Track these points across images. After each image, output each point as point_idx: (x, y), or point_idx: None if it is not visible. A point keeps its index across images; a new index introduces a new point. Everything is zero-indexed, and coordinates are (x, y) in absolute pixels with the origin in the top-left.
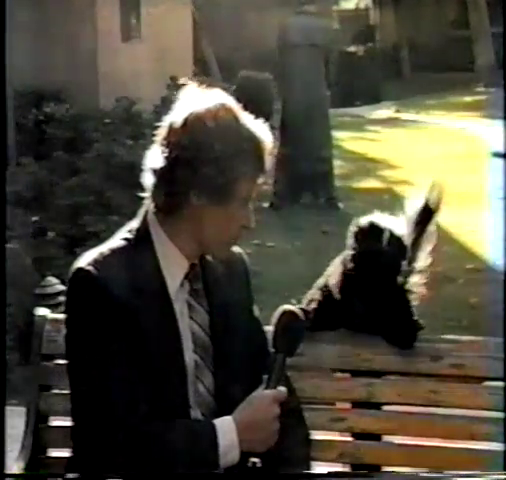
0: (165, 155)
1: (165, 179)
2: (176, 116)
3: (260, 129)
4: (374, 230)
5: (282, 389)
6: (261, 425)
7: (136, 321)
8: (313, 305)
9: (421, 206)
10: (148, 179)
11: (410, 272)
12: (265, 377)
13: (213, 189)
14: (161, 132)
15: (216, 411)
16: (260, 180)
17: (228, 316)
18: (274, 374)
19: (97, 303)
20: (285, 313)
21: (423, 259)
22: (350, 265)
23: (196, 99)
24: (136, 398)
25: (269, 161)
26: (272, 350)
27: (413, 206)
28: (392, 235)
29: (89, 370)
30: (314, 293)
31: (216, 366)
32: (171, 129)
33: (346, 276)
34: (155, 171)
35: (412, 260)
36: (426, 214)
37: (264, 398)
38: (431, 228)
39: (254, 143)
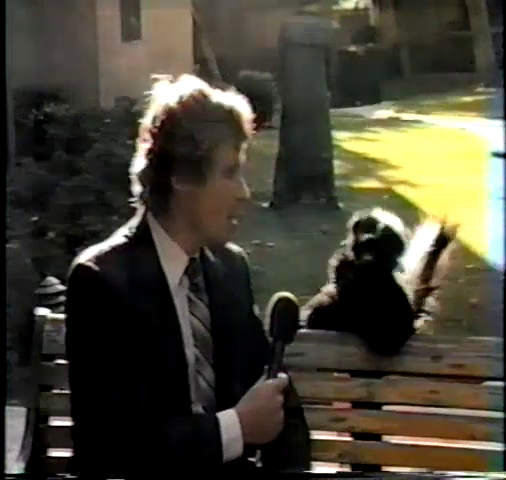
0: (142, 153)
1: (146, 176)
2: (148, 115)
3: (232, 99)
4: (370, 223)
5: (283, 376)
6: (265, 416)
7: (136, 316)
8: (315, 305)
9: (436, 235)
10: (135, 185)
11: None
12: (266, 367)
13: (191, 166)
14: (140, 137)
15: (217, 405)
16: (243, 146)
17: (228, 311)
18: (274, 363)
19: (97, 299)
20: (280, 300)
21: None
22: (347, 258)
23: (167, 93)
24: (137, 394)
25: (247, 126)
26: (270, 339)
27: (425, 234)
28: (387, 228)
29: (90, 367)
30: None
31: (216, 360)
32: (144, 127)
33: (342, 272)
34: (137, 174)
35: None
36: (441, 243)
37: (267, 388)
38: (444, 257)
39: (224, 110)
